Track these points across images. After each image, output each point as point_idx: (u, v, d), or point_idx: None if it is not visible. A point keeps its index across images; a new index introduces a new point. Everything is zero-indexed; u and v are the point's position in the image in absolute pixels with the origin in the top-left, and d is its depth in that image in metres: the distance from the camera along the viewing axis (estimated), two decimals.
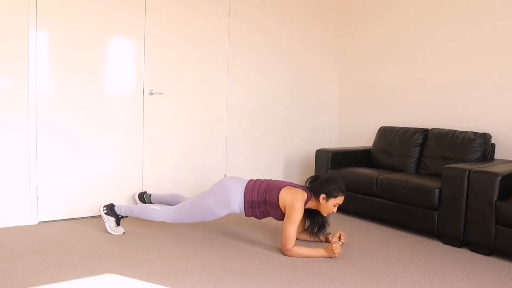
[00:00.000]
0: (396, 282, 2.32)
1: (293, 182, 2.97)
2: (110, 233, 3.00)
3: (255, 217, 2.87)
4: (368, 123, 4.59)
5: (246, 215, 2.85)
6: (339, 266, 2.52)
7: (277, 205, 2.73)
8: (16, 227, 3.12)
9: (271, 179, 2.90)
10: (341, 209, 3.84)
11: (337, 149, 4.04)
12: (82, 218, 3.41)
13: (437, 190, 3.03)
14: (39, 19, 3.12)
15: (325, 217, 2.87)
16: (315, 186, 2.78)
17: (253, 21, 4.19)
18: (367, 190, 3.52)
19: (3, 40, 3.00)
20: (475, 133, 3.43)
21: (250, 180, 2.89)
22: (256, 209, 2.80)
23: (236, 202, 2.80)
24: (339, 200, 2.75)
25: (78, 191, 3.39)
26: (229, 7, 4.02)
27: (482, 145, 3.37)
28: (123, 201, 3.58)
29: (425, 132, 3.81)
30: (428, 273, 2.46)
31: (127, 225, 3.23)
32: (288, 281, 2.28)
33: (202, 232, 3.13)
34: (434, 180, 3.21)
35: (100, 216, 3.40)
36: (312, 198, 2.77)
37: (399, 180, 3.30)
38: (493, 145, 3.45)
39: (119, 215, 3.01)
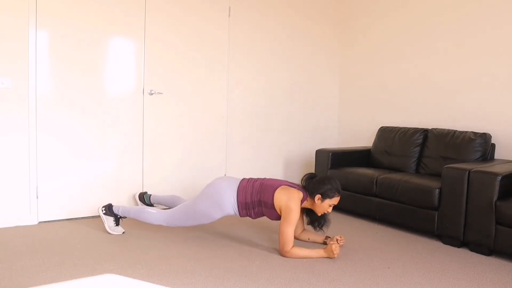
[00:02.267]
0: (396, 282, 2.32)
1: (293, 182, 2.93)
2: (109, 233, 3.00)
3: (250, 217, 2.84)
4: (368, 123, 4.59)
5: (240, 216, 2.83)
6: (339, 266, 2.52)
7: (272, 205, 2.70)
8: (16, 227, 3.12)
9: (265, 178, 2.87)
10: (341, 209, 3.83)
11: (337, 149, 4.04)
12: (82, 218, 3.41)
13: (437, 190, 3.03)
14: (39, 19, 3.12)
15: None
16: (311, 186, 2.73)
17: (253, 21, 4.19)
18: (367, 190, 3.52)
19: (3, 40, 3.00)
20: (475, 133, 3.43)
21: (242, 180, 2.84)
22: (250, 210, 2.77)
23: (229, 205, 2.77)
24: (335, 200, 2.72)
25: (78, 191, 3.39)
26: (229, 7, 4.02)
27: (482, 145, 3.37)
28: (123, 201, 3.58)
29: (425, 132, 3.81)
30: (428, 273, 2.46)
31: (127, 225, 3.23)
32: (288, 281, 2.28)
33: (202, 232, 3.13)
34: (434, 180, 3.21)
35: (99, 216, 3.41)
36: (308, 198, 2.74)
37: (399, 180, 3.30)
38: (493, 145, 3.45)
39: (117, 214, 3.01)
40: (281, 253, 2.66)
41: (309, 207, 2.79)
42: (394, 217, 3.31)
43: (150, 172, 3.71)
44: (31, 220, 3.20)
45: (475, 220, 2.80)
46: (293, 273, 2.39)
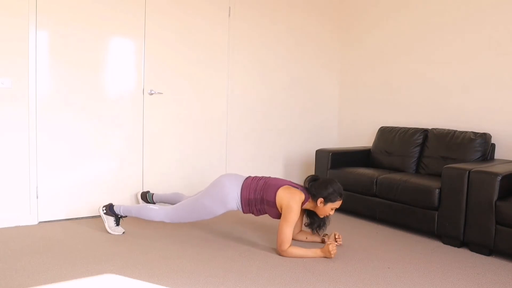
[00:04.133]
0: (396, 282, 2.32)
1: (293, 181, 2.94)
2: (109, 233, 3.00)
3: (252, 214, 2.86)
4: (368, 123, 4.59)
5: (243, 212, 2.85)
6: (339, 266, 2.52)
7: (273, 204, 2.72)
8: (16, 227, 3.12)
9: (270, 177, 2.88)
10: (341, 209, 3.83)
11: (337, 149, 4.04)
12: (82, 218, 3.41)
13: (437, 190, 3.03)
14: (39, 19, 3.12)
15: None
16: (314, 189, 2.74)
17: (253, 21, 4.19)
18: (367, 190, 3.52)
19: (3, 40, 3.00)
20: (475, 133, 3.43)
21: (247, 178, 2.87)
22: (253, 207, 2.80)
23: (233, 201, 2.79)
24: (337, 204, 2.74)
25: (78, 191, 3.39)
26: (229, 7, 4.02)
27: (482, 145, 3.37)
28: (123, 201, 3.58)
29: (425, 132, 3.81)
30: (428, 273, 2.46)
31: (127, 225, 3.23)
32: (288, 281, 2.28)
33: (202, 232, 3.13)
34: (434, 180, 3.21)
35: (100, 216, 3.41)
36: (310, 200, 2.76)
37: (399, 180, 3.30)
38: (493, 145, 3.45)
39: (118, 214, 3.01)
40: (278, 251, 2.67)
41: (311, 209, 2.80)
42: (394, 217, 3.31)
43: (150, 172, 3.71)
44: (31, 220, 3.20)
45: (475, 220, 2.80)
46: (293, 273, 2.39)
